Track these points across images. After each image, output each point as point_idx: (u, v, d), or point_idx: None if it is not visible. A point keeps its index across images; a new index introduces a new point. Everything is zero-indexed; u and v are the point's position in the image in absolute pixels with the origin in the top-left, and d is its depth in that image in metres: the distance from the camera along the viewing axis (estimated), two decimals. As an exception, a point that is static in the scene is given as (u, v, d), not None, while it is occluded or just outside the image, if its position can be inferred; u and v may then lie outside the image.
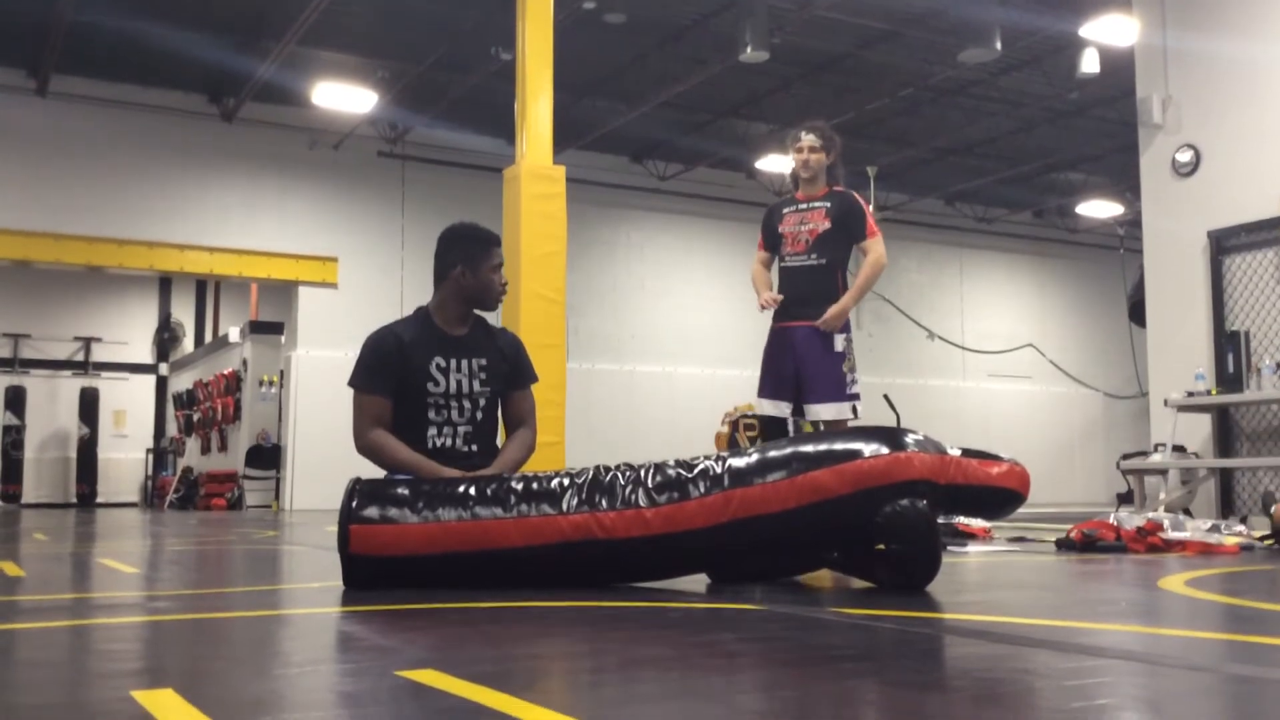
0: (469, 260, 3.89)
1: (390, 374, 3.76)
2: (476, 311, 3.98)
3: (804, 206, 5.39)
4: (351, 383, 3.79)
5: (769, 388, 5.30)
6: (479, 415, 3.82)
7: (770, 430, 5.28)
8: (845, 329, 5.27)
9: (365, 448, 3.73)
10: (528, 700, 1.70)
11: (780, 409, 5.23)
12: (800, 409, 5.22)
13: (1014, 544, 5.85)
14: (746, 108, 15.82)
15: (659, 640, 2.49)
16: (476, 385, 3.82)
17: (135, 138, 14.74)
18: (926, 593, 3.29)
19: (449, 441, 3.76)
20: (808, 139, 5.38)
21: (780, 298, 5.30)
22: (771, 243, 5.47)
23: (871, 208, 5.85)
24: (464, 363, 3.82)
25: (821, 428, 5.04)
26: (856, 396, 5.26)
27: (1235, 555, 4.97)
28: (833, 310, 5.13)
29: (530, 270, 7.55)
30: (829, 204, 5.34)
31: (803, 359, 5.17)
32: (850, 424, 5.14)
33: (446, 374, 3.79)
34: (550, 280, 7.63)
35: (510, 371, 3.93)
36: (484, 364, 3.85)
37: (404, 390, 3.75)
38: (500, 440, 3.98)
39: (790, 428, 5.27)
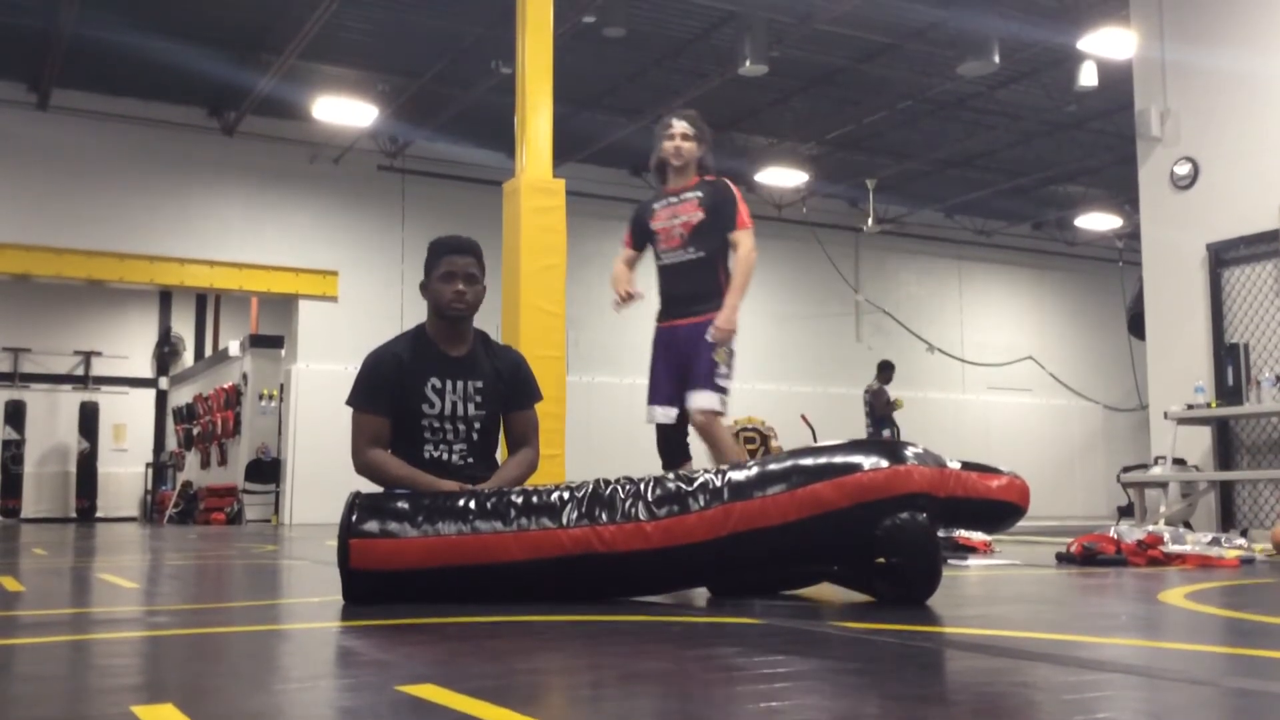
0: (426, 272, 3.88)
1: (388, 394, 3.74)
2: (477, 328, 3.95)
3: (675, 199, 5.07)
4: (350, 402, 3.78)
5: (659, 394, 5.00)
6: (475, 437, 3.79)
7: (666, 439, 5.00)
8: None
9: (363, 466, 3.72)
10: (528, 715, 1.70)
11: (669, 415, 4.96)
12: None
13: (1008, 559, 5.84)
14: (746, 121, 15.85)
15: (659, 654, 2.48)
16: (471, 409, 3.78)
17: (136, 151, 14.77)
18: (927, 606, 3.29)
19: (445, 456, 3.75)
20: (679, 125, 5.05)
21: (634, 293, 5.05)
22: (640, 240, 5.20)
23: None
24: (459, 385, 3.78)
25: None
26: (722, 390, 4.93)
27: (1235, 569, 4.97)
28: (721, 320, 4.85)
29: (530, 283, 7.56)
30: (700, 193, 5.01)
31: (686, 355, 4.93)
32: (713, 415, 4.89)
33: (442, 395, 3.76)
34: (550, 293, 7.64)
35: (509, 392, 3.88)
36: (479, 386, 3.80)
37: (400, 410, 3.75)
38: (502, 459, 3.95)
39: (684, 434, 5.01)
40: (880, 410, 14.33)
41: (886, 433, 14.12)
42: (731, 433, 13.33)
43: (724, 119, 15.70)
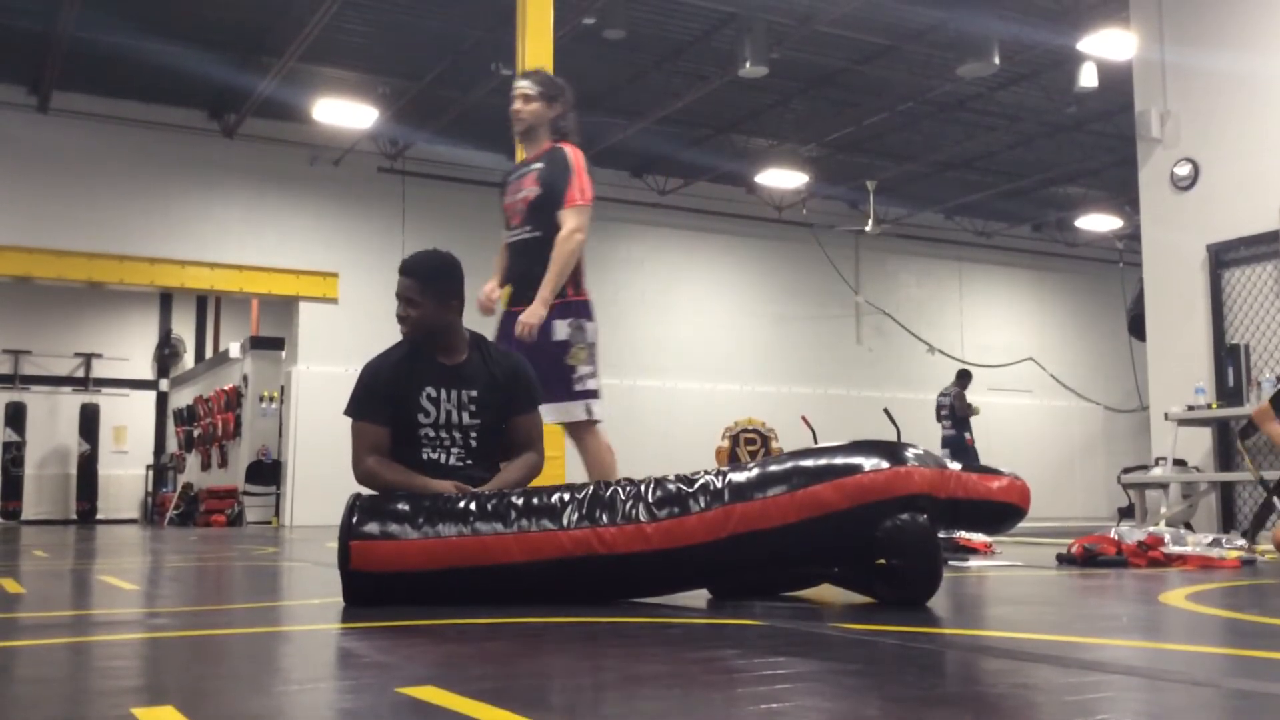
0: None
1: (386, 403, 3.72)
2: (475, 333, 3.95)
3: (522, 170, 4.66)
4: (348, 412, 3.77)
5: None
6: (473, 445, 3.77)
7: None
8: (575, 313, 4.51)
9: (362, 476, 3.71)
10: (529, 717, 1.69)
11: None
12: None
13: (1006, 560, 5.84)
14: (746, 123, 15.86)
15: (659, 656, 2.48)
16: (466, 417, 3.76)
17: (136, 154, 14.78)
18: (927, 608, 3.28)
19: (443, 459, 3.74)
20: (519, 85, 4.63)
21: (495, 296, 4.66)
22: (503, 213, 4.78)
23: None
24: (454, 394, 3.75)
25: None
26: (591, 394, 4.53)
27: (1236, 569, 4.96)
28: (526, 314, 4.38)
29: (530, 285, 7.55)
30: (541, 165, 4.57)
31: (527, 352, 4.37)
32: (588, 426, 4.52)
33: (437, 404, 3.74)
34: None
35: (507, 398, 3.84)
36: (474, 395, 3.77)
37: (398, 419, 3.74)
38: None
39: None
40: (961, 412, 14.72)
41: (968, 435, 14.68)
42: (732, 434, 13.38)
43: (724, 121, 15.73)
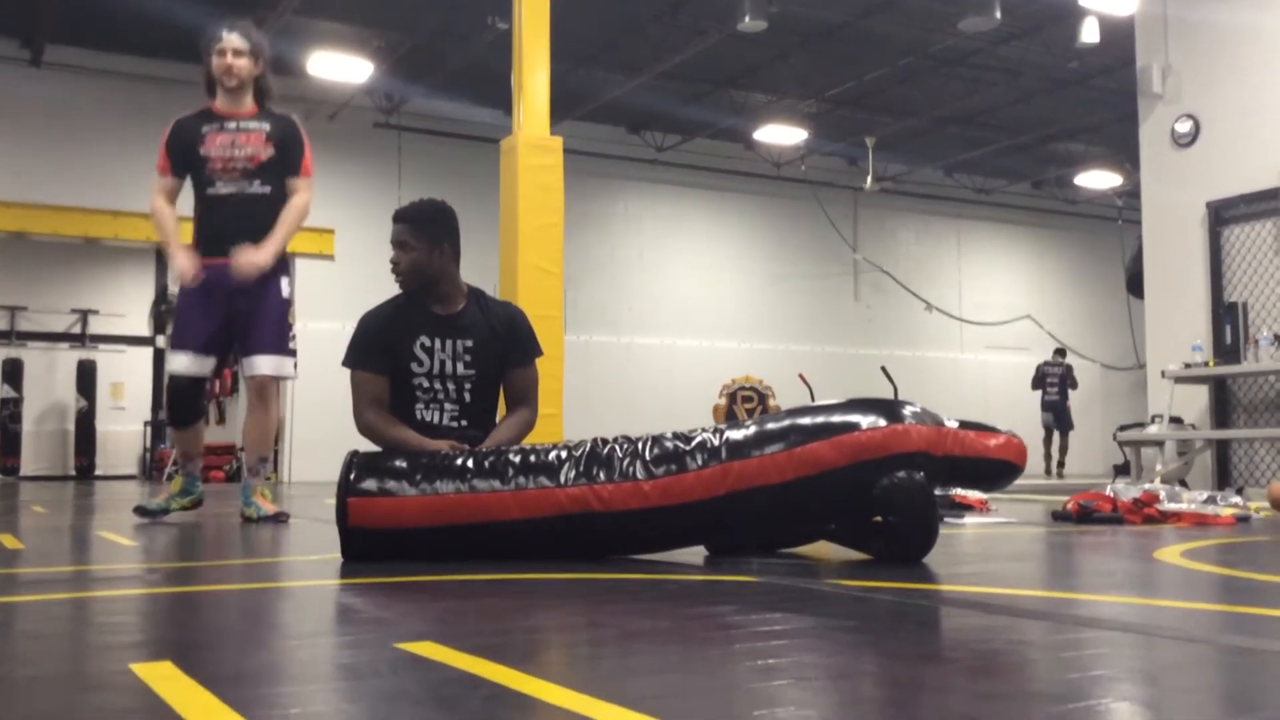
0: None
1: (379, 352, 3.74)
2: (471, 286, 3.94)
3: (233, 125, 4.89)
4: (345, 362, 3.79)
5: (194, 339, 4.77)
6: (467, 397, 3.78)
7: (187, 394, 4.88)
8: (287, 272, 4.91)
9: (363, 428, 3.73)
10: (526, 672, 1.70)
11: (204, 366, 4.81)
12: (225, 364, 4.79)
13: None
14: (745, 78, 15.74)
15: (656, 612, 2.49)
16: (461, 367, 3.76)
17: (131, 108, 14.65)
18: (923, 564, 3.30)
19: (436, 418, 3.75)
20: (231, 39, 4.83)
21: (199, 274, 4.77)
22: (185, 166, 4.95)
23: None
24: (449, 343, 3.76)
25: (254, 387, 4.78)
26: (295, 354, 4.92)
27: (1231, 527, 4.99)
28: (261, 256, 4.67)
29: (527, 242, 7.54)
30: (268, 127, 4.89)
31: (243, 304, 4.78)
32: (279, 385, 4.95)
33: (431, 354, 3.75)
34: (547, 252, 7.62)
35: (505, 350, 3.85)
36: (470, 345, 3.78)
37: (394, 369, 3.75)
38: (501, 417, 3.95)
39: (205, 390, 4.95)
40: (1073, 383, 16.60)
41: (1069, 404, 16.48)
42: (729, 392, 13.38)
43: (723, 76, 15.61)
